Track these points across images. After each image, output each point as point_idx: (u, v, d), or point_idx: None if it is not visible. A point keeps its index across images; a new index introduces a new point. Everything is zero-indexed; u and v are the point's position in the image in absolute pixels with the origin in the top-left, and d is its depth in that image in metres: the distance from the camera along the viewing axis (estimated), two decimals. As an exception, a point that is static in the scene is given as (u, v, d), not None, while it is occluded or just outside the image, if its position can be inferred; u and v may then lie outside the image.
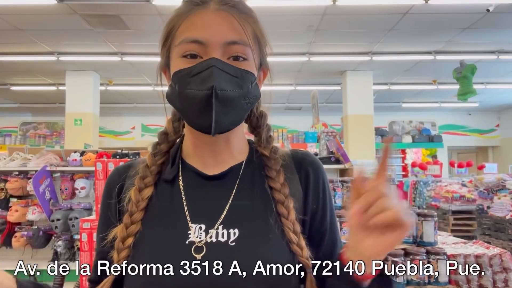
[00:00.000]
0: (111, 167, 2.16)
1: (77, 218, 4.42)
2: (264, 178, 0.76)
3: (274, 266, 0.68)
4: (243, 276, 0.66)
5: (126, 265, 0.70)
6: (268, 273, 0.67)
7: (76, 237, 4.54)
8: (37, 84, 9.00)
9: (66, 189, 4.79)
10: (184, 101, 0.71)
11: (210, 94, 0.66)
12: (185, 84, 0.69)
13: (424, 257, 1.96)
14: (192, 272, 0.66)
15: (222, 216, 0.71)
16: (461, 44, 6.63)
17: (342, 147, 3.45)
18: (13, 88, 9.13)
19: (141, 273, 0.67)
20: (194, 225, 0.71)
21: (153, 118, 12.53)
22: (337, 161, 3.35)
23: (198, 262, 0.66)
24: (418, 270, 1.94)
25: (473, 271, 2.02)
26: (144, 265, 0.67)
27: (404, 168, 11.11)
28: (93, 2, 4.91)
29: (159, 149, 0.80)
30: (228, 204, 0.73)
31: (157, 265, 0.66)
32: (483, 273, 2.04)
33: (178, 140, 0.83)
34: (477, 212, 4.38)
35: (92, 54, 6.96)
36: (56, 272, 2.44)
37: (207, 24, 0.69)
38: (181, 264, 0.66)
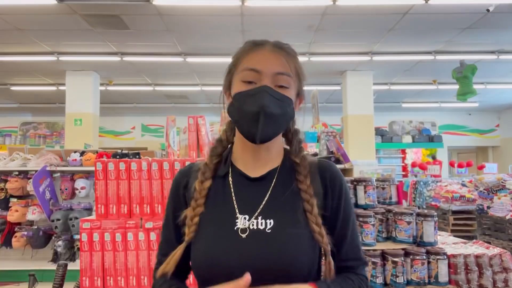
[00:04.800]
0: (111, 167, 2.16)
1: (77, 218, 4.42)
2: (295, 181, 0.98)
3: (301, 248, 0.90)
4: (276, 256, 0.87)
5: (193, 238, 0.94)
6: (296, 257, 0.88)
7: (76, 237, 4.54)
8: (37, 84, 9.01)
9: (66, 189, 4.79)
10: (241, 115, 0.94)
11: (260, 111, 0.90)
12: (243, 102, 0.93)
13: (424, 257, 1.96)
14: (239, 248, 0.89)
15: (260, 209, 0.93)
16: (461, 44, 6.63)
17: (342, 147, 3.45)
18: (13, 88, 9.13)
19: (203, 248, 0.91)
20: (240, 215, 0.93)
21: (153, 118, 12.53)
22: (337, 161, 3.35)
23: (244, 241, 0.89)
24: (418, 270, 1.94)
25: (473, 271, 2.03)
26: (206, 241, 0.91)
27: (404, 168, 11.10)
28: (93, 2, 4.91)
29: (215, 151, 1.03)
30: (265, 200, 0.95)
31: (215, 242, 0.91)
32: (483, 273, 2.04)
33: (229, 146, 1.05)
34: (477, 212, 4.38)
35: (92, 54, 6.96)
36: (56, 272, 2.44)
37: (263, 58, 0.95)
38: (232, 242, 0.90)
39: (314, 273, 0.94)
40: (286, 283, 0.86)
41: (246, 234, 0.90)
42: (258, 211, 0.93)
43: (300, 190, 0.96)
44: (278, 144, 1.03)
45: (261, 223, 0.91)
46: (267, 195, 0.95)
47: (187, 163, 2.19)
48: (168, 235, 1.03)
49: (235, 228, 0.91)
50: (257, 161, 0.99)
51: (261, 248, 0.88)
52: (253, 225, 0.91)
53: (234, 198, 0.96)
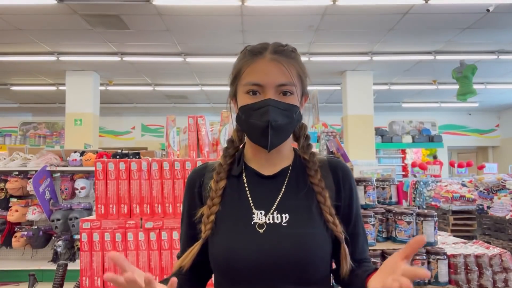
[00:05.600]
0: (111, 167, 2.16)
1: (77, 218, 4.42)
2: (306, 177, 1.01)
3: (316, 240, 0.93)
4: (294, 249, 0.91)
5: (210, 234, 0.96)
6: (312, 248, 0.92)
7: (76, 237, 4.54)
8: (37, 84, 9.01)
9: (66, 189, 4.79)
10: (249, 127, 0.97)
11: (267, 125, 0.93)
12: (249, 115, 0.96)
13: (424, 257, 1.96)
14: (257, 242, 0.92)
15: (276, 204, 0.97)
16: (461, 44, 6.63)
17: (342, 147, 3.45)
18: (13, 88, 9.13)
19: (222, 242, 0.94)
20: (256, 211, 0.96)
21: (153, 118, 12.53)
22: (337, 161, 3.34)
23: (261, 235, 0.93)
24: (418, 270, 1.94)
25: (473, 271, 2.02)
26: (224, 236, 0.95)
27: (404, 168, 11.10)
28: (93, 2, 4.91)
29: (228, 152, 1.06)
30: (280, 196, 0.98)
31: (233, 236, 0.94)
32: (483, 273, 2.04)
33: (241, 146, 1.08)
34: (477, 212, 4.38)
35: (92, 54, 6.96)
36: (56, 272, 2.44)
37: (264, 71, 0.96)
38: (250, 236, 0.93)
39: (327, 265, 0.98)
40: (303, 276, 0.91)
41: (264, 229, 0.93)
42: (274, 206, 0.96)
43: (312, 184, 0.99)
44: (288, 144, 1.06)
45: (277, 217, 0.95)
46: (282, 191, 0.99)
47: (187, 163, 2.20)
48: (185, 233, 1.07)
49: (252, 223, 0.95)
50: (269, 160, 1.03)
51: (279, 242, 0.91)
52: (269, 219, 0.95)
53: (249, 195, 0.99)
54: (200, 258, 0.98)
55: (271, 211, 0.96)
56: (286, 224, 0.94)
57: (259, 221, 0.95)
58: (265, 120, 0.93)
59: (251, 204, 0.98)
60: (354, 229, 1.03)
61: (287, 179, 1.01)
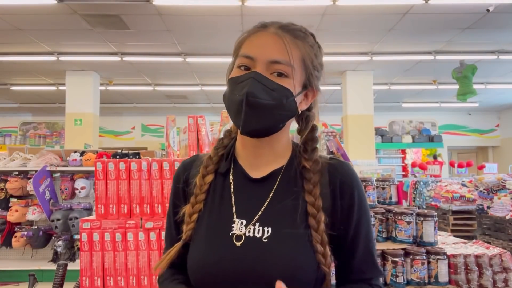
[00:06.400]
0: (111, 167, 2.16)
1: (77, 218, 4.42)
2: (301, 184, 0.87)
3: (297, 263, 0.80)
4: (271, 269, 0.79)
5: (191, 235, 0.88)
6: (292, 273, 0.79)
7: (76, 237, 4.54)
8: (37, 84, 9.01)
9: (66, 189, 4.79)
10: (229, 103, 0.85)
11: (243, 99, 0.80)
12: (232, 89, 0.84)
13: (424, 257, 1.96)
14: (232, 256, 0.82)
15: (259, 215, 0.85)
16: (461, 44, 6.63)
17: (342, 147, 3.44)
18: (13, 88, 9.13)
19: (196, 252, 0.85)
20: (237, 220, 0.85)
21: (153, 118, 12.53)
22: (337, 161, 3.33)
23: (237, 249, 0.82)
24: (418, 270, 1.94)
25: (473, 271, 2.03)
26: (199, 245, 0.86)
27: (404, 168, 11.10)
28: (93, 2, 4.91)
29: (221, 143, 0.95)
30: (264, 205, 0.85)
31: (208, 247, 0.84)
32: (483, 273, 2.04)
33: (234, 138, 0.96)
34: (477, 212, 4.38)
35: (92, 54, 6.96)
36: (56, 272, 2.44)
37: (259, 44, 0.84)
38: (225, 249, 0.83)
39: (314, 282, 0.84)
40: None
41: (241, 242, 0.82)
42: (256, 217, 0.84)
43: (307, 203, 0.85)
44: (284, 140, 0.91)
45: (258, 230, 0.83)
46: (267, 200, 0.86)
47: (187, 163, 2.20)
48: (169, 231, 0.98)
49: (230, 234, 0.84)
50: (258, 158, 0.89)
51: (255, 259, 0.80)
52: (249, 231, 0.83)
53: (233, 199, 0.88)
54: (178, 261, 0.89)
55: (253, 221, 0.84)
56: (266, 240, 0.81)
57: (238, 232, 0.83)
58: (242, 94, 0.79)
59: (233, 210, 0.86)
60: (352, 241, 0.88)
61: (276, 184, 0.87)
